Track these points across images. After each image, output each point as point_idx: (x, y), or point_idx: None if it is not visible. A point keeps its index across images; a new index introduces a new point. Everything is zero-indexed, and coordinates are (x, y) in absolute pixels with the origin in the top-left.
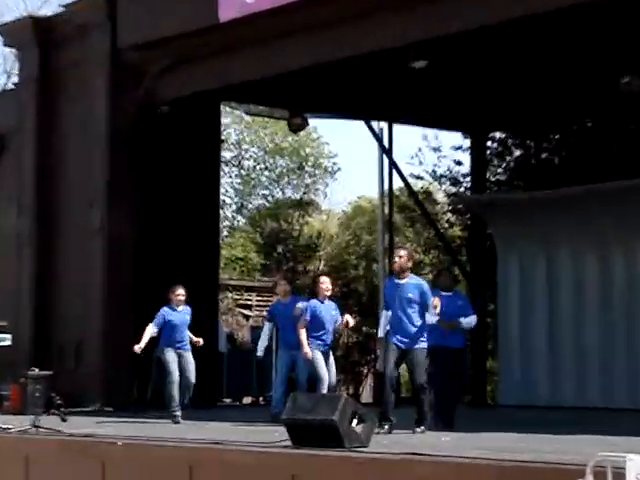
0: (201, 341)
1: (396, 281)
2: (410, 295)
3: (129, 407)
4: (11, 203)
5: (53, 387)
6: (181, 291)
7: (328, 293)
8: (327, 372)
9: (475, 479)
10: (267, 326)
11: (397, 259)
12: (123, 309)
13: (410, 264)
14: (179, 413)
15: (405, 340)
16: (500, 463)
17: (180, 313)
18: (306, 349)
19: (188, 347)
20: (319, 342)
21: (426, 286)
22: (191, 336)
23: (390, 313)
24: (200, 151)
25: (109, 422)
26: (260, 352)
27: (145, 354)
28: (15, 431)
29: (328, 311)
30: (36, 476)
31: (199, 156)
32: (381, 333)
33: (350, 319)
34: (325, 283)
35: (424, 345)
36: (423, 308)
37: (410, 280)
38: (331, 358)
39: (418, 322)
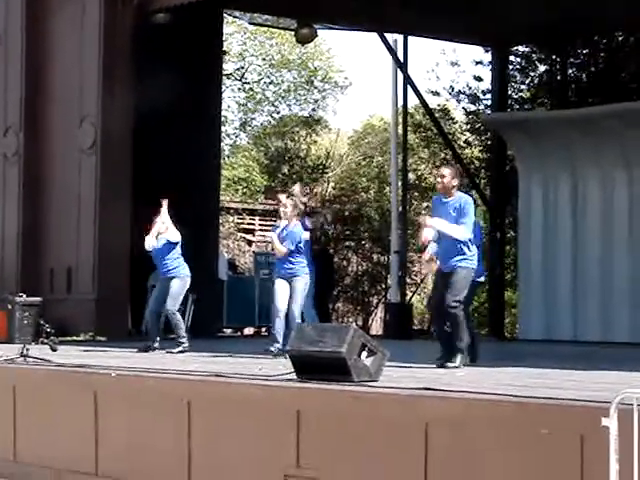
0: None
1: (443, 200)
2: (451, 212)
3: (123, 337)
4: None
5: (42, 315)
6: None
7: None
8: (283, 302)
9: (492, 416)
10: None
11: (440, 179)
12: (118, 233)
13: (456, 182)
14: (187, 343)
15: (448, 262)
16: (518, 400)
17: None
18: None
19: (167, 274)
20: (279, 268)
21: (464, 202)
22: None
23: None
24: (200, 63)
25: (102, 352)
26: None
27: (139, 282)
28: (1, 360)
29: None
30: (24, 408)
31: (199, 68)
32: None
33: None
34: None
35: (468, 264)
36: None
37: (455, 198)
38: (295, 285)
39: (461, 243)
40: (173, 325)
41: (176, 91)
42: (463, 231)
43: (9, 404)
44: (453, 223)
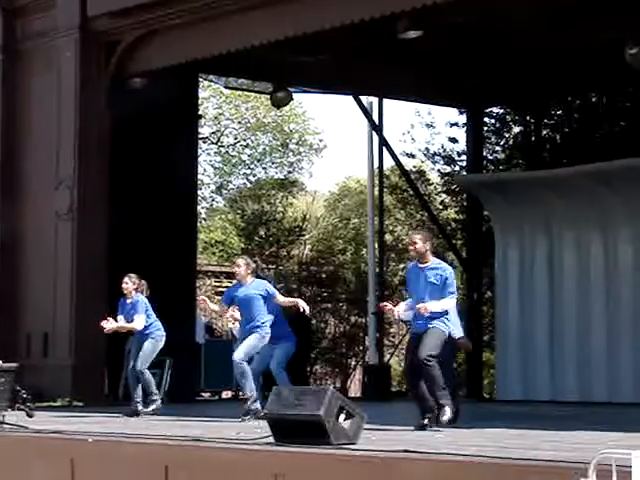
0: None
1: (419, 265)
2: (432, 280)
3: (100, 402)
4: None
5: (19, 380)
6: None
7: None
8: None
9: (471, 478)
10: None
11: (412, 246)
12: (94, 297)
13: (428, 246)
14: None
15: (422, 323)
16: (497, 461)
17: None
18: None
19: (141, 334)
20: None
21: (448, 275)
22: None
23: (412, 301)
24: (176, 127)
25: (79, 417)
26: None
27: (116, 347)
28: None
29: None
30: (0, 476)
31: (175, 132)
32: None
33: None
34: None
35: (442, 327)
36: (444, 294)
37: (431, 264)
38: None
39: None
40: (143, 384)
41: (152, 155)
42: (452, 301)
43: None
44: (432, 290)
